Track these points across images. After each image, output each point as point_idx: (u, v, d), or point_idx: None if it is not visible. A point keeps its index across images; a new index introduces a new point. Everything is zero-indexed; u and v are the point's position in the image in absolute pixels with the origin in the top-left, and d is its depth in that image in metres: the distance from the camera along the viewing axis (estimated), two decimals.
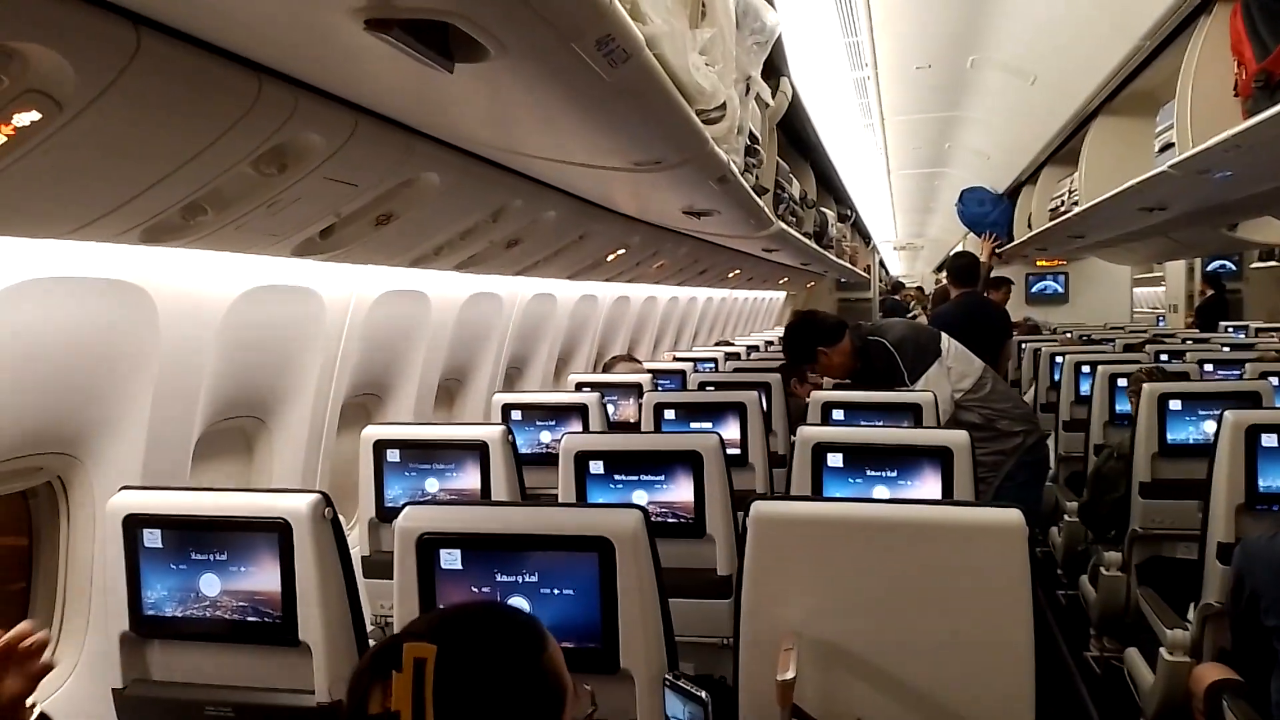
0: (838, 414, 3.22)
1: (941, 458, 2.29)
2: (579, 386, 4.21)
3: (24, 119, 1.08)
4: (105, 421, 2.13)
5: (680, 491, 2.42)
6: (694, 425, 3.36)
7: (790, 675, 1.31)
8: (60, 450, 2.06)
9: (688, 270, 5.60)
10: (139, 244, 1.57)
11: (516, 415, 3.52)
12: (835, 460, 2.38)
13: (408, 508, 1.67)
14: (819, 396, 3.22)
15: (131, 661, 1.84)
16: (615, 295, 5.74)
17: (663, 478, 2.43)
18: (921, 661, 1.47)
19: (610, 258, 4.00)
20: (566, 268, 3.86)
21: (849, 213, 9.26)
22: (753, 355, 6.57)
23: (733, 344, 7.68)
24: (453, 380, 4.11)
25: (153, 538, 1.80)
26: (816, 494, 2.37)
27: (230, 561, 1.76)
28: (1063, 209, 6.01)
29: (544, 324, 4.81)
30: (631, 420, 4.23)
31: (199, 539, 1.77)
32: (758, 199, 3.08)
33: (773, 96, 3.54)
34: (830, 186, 7.93)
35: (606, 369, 5.25)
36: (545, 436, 3.57)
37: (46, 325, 1.83)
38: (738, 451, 3.22)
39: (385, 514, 2.71)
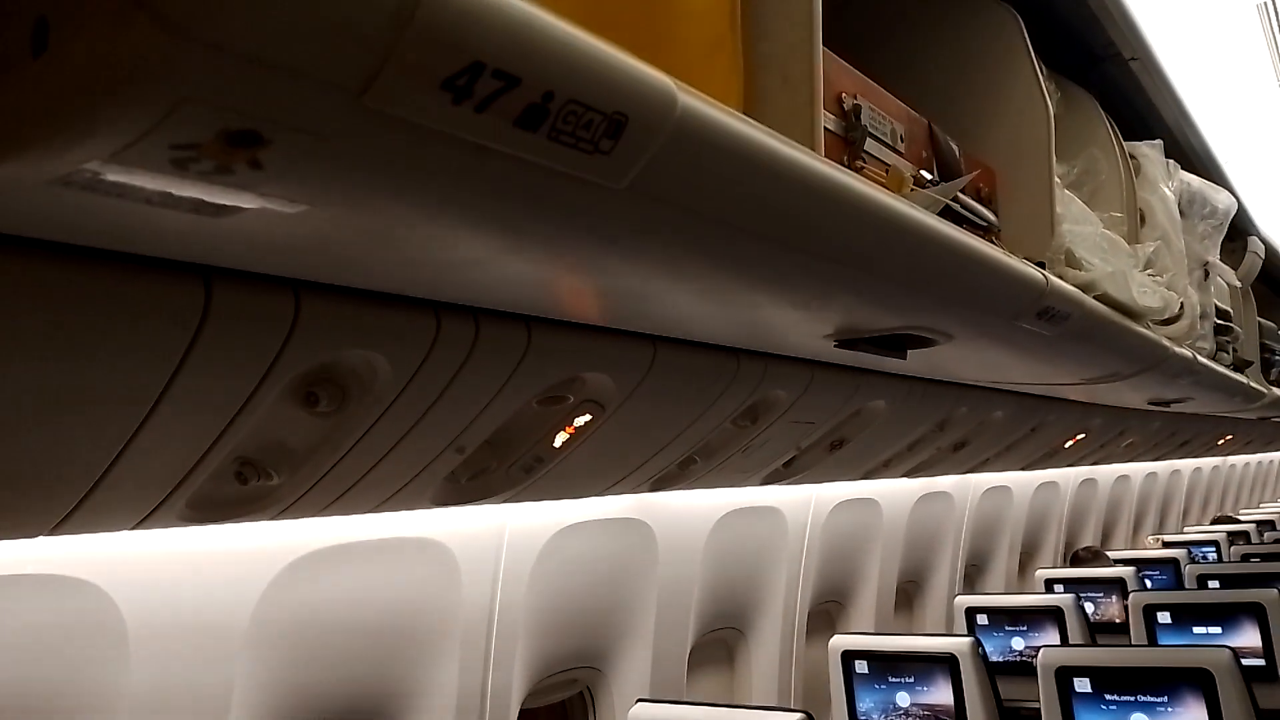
0: None
1: None
2: (1049, 584, 3.93)
3: (580, 420, 1.45)
4: (620, 638, 2.51)
5: (1189, 714, 2.15)
6: (1196, 630, 2.96)
7: None
8: (589, 664, 2.47)
9: (1164, 445, 5.03)
10: (648, 491, 1.93)
11: (982, 619, 3.38)
12: None
13: None
14: None
15: None
16: (1080, 478, 5.33)
17: (1165, 699, 2.18)
18: None
19: (1069, 444, 3.80)
20: (1019, 460, 3.74)
21: None
22: (1266, 535, 5.57)
23: (1238, 519, 6.56)
24: (910, 583, 4.09)
25: None
26: None
27: None
28: None
29: (1001, 518, 4.61)
30: (1117, 621, 3.81)
31: None
32: (1239, 376, 2.77)
33: (1239, 263, 3.23)
34: None
35: (1074, 562, 4.81)
36: (1018, 643, 3.37)
37: (581, 559, 2.26)
38: (1261, 662, 2.76)
39: None
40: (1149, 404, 2.63)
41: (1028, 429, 3.31)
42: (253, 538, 1.50)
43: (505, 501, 1.60)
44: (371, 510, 1.38)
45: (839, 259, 0.94)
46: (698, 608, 2.73)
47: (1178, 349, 1.90)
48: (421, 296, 1.04)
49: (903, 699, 2.70)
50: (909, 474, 3.11)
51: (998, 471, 4.00)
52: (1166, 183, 1.93)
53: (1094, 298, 1.41)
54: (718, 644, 3.06)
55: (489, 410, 1.27)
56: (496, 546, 2.01)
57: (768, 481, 2.33)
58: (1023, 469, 4.08)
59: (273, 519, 1.21)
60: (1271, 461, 9.72)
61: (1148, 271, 1.67)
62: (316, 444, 1.11)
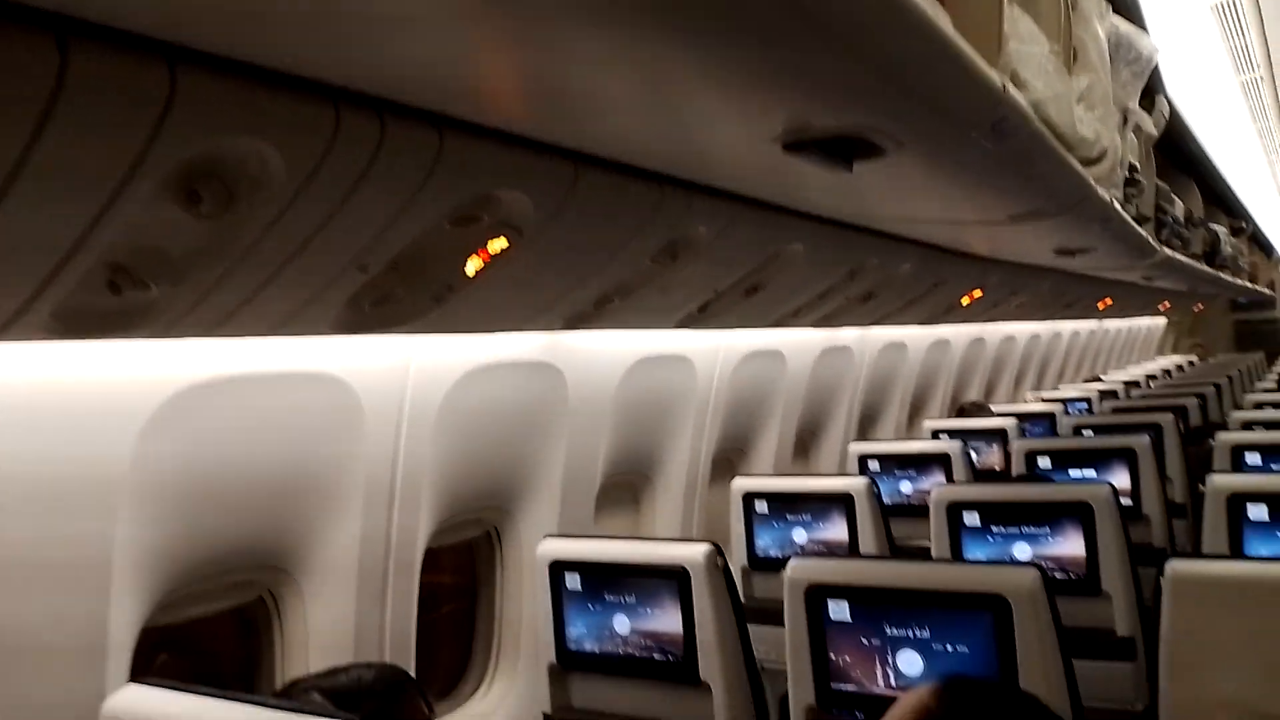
0: (1252, 458, 2.85)
1: None
2: (935, 434, 4.10)
3: (496, 246, 1.36)
4: (528, 481, 2.50)
5: (1068, 546, 2.29)
6: (1073, 474, 3.14)
7: None
8: (498, 505, 2.46)
9: (1051, 306, 5.25)
10: (562, 330, 1.87)
11: (874, 465, 3.52)
12: (1258, 513, 2.12)
13: (795, 560, 1.77)
14: (1226, 439, 2.87)
15: (558, 690, 2.10)
16: (969, 338, 5.53)
17: (1047, 531, 2.31)
18: None
19: (966, 301, 3.90)
20: (920, 315, 3.83)
21: (1244, 225, 8.09)
22: (1134, 393, 5.95)
23: (1104, 380, 6.99)
24: (808, 432, 4.22)
25: (573, 581, 2.06)
26: (1235, 552, 2.13)
27: (638, 604, 1.97)
28: None
29: (895, 373, 4.77)
30: (997, 469, 4.03)
31: (611, 583, 2.00)
32: (1139, 230, 2.85)
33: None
34: (1220, 200, 7.02)
35: (960, 414, 5.04)
36: (906, 487, 3.52)
37: (490, 402, 2.21)
38: (1129, 502, 2.96)
39: (756, 563, 2.84)
40: (1055, 252, 2.69)
41: (930, 283, 3.37)
42: (131, 366, 1.35)
43: (413, 333, 1.51)
44: (266, 333, 1.27)
45: (793, 43, 0.86)
46: (606, 453, 2.74)
47: (1100, 190, 1.91)
48: (320, 78, 0.91)
49: (799, 535, 2.80)
50: (817, 324, 3.14)
51: (898, 326, 4.09)
52: (1100, 21, 1.90)
53: (1041, 119, 1.38)
54: (624, 487, 3.10)
55: (396, 226, 1.17)
56: (401, 386, 1.93)
57: (682, 326, 2.30)
58: (921, 324, 4.19)
59: (152, 338, 1.09)
60: (1140, 328, 10.36)
61: (1081, 105, 1.65)
62: (200, 251, 0.99)
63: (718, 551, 1.90)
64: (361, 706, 1.29)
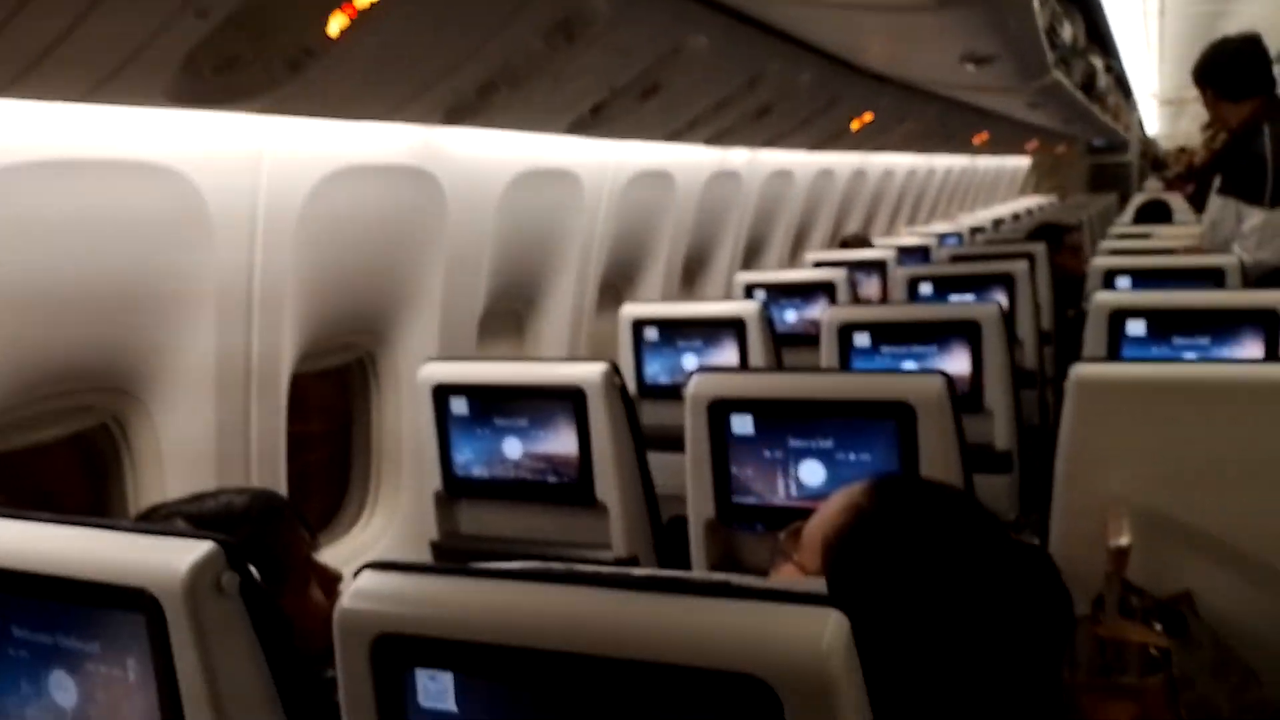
0: (1123, 282, 2.95)
1: (1266, 324, 2.04)
2: (818, 265, 4.11)
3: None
4: (403, 303, 2.31)
5: (955, 364, 2.31)
6: (953, 299, 3.19)
7: (1125, 541, 1.23)
8: (371, 328, 2.27)
9: (933, 135, 5.26)
10: (443, 124, 1.65)
11: (760, 295, 3.49)
12: (1136, 328, 2.18)
13: (697, 375, 1.69)
14: (1100, 264, 2.95)
15: (445, 518, 2.02)
16: (852, 169, 5.52)
17: (935, 350, 2.33)
18: (1266, 538, 1.34)
19: (855, 125, 3.82)
20: (810, 139, 3.73)
21: (1113, 64, 8.26)
22: (1002, 228, 6.17)
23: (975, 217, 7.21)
24: (694, 261, 4.14)
25: (459, 405, 1.94)
26: None
27: (530, 427, 1.88)
28: None
29: (781, 204, 4.71)
30: (876, 299, 4.09)
31: (502, 406, 1.89)
32: (1042, 40, 2.77)
33: None
34: (1099, 37, 7.08)
35: (841, 247, 5.09)
36: (791, 316, 3.52)
37: (358, 210, 1.98)
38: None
39: (646, 390, 2.79)
40: (960, 59, 2.60)
41: (825, 101, 3.26)
42: None
43: (266, 112, 1.27)
44: (80, 98, 1.03)
45: None
46: (489, 275, 2.56)
47: None
48: None
49: (689, 362, 2.75)
50: (710, 141, 3.00)
51: (787, 151, 4.00)
52: None
53: None
54: (507, 314, 2.95)
55: None
56: (253, 186, 1.68)
57: (574, 131, 2.10)
58: (810, 149, 4.11)
59: None
60: (1006, 169, 10.70)
61: None
62: None
63: (615, 370, 1.81)
64: (234, 534, 1.15)
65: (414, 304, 2.29)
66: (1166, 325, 2.14)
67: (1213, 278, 2.77)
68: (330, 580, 1.26)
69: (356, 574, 0.73)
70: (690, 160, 3.48)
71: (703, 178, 3.72)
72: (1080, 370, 1.41)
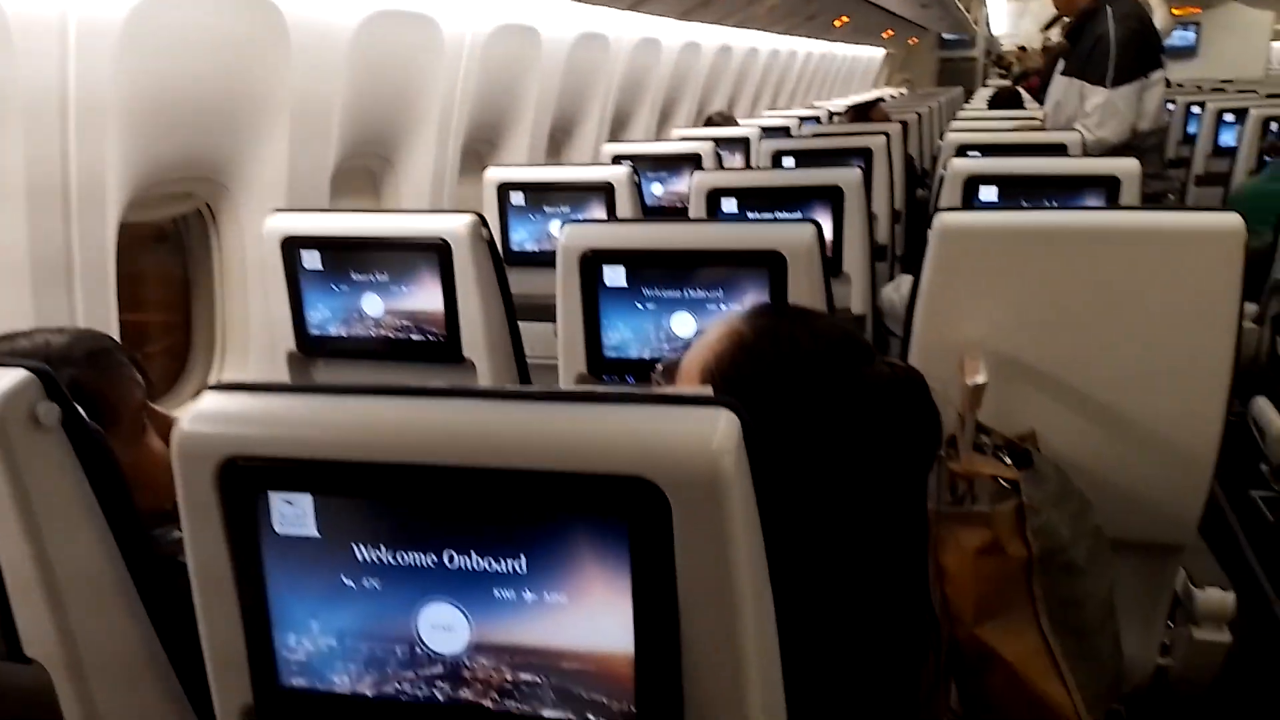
0: (973, 156, 3.05)
1: (1108, 188, 2.15)
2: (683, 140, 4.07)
3: None
4: (246, 147, 2.12)
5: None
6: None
7: (982, 379, 1.28)
8: (208, 175, 2.07)
9: (797, 14, 5.22)
10: None
11: (627, 165, 3.43)
12: (989, 194, 2.27)
13: (569, 226, 1.63)
14: (953, 139, 3.04)
15: (300, 378, 1.92)
16: (718, 45, 5.42)
17: (798, 214, 2.36)
18: (1107, 378, 1.43)
19: None
20: (680, 4, 3.61)
21: None
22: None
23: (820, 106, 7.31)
24: (560, 130, 4.01)
25: (312, 259, 1.82)
26: None
27: (391, 282, 1.78)
28: None
29: (648, 75, 4.59)
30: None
31: (359, 260, 1.78)
32: None
33: None
34: None
35: (707, 124, 5.06)
36: (658, 189, 3.48)
37: (187, 34, 1.77)
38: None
39: (511, 257, 2.71)
40: None
41: None
42: None
43: None
44: None
45: None
46: (341, 124, 2.37)
47: None
48: None
49: (556, 228, 2.68)
50: None
51: (660, 15, 3.87)
52: None
53: None
54: (361, 172, 2.76)
55: None
56: None
57: None
58: (681, 16, 3.99)
59: None
60: (861, 59, 10.83)
61: None
62: None
63: (481, 222, 1.72)
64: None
65: (256, 151, 2.10)
66: (1016, 190, 2.24)
67: (1057, 153, 2.90)
68: (171, 429, 1.16)
69: (196, 395, 0.66)
70: (556, 19, 3.31)
71: (569, 39, 3.56)
72: (943, 218, 1.44)
